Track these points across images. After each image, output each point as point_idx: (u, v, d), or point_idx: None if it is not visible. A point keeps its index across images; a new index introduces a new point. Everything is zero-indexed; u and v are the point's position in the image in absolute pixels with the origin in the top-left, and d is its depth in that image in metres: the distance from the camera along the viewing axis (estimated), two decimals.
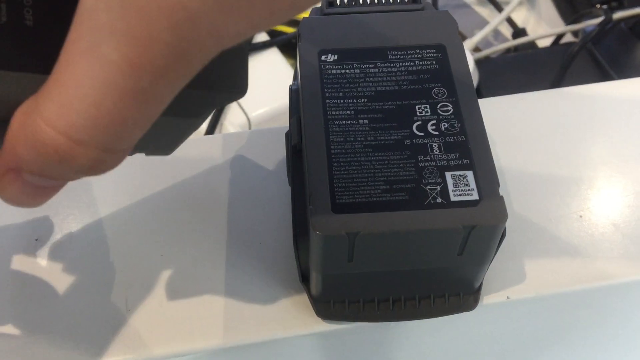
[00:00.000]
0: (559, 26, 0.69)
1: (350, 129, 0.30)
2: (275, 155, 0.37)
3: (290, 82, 0.60)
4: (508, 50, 0.67)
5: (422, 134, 0.29)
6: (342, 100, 0.31)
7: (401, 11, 0.34)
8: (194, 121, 0.26)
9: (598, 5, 0.66)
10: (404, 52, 0.32)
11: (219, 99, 0.25)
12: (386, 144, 0.29)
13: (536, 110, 0.40)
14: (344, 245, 0.27)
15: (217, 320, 0.32)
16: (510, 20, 0.68)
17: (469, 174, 0.28)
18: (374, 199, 0.28)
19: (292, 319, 0.32)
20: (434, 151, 0.29)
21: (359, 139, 0.29)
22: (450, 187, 0.28)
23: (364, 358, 0.35)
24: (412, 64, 0.32)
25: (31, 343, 0.31)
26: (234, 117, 0.60)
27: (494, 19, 0.67)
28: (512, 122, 0.39)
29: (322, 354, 0.34)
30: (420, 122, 0.30)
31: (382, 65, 0.32)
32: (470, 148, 0.29)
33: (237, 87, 0.25)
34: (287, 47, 0.65)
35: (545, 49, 0.65)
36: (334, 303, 0.32)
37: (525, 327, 0.35)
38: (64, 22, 0.20)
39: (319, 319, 0.32)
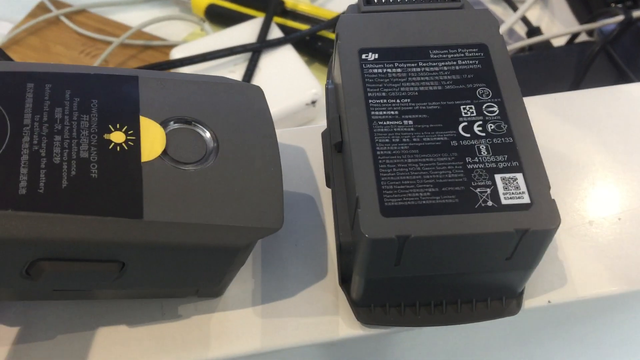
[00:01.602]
0: (572, 25, 0.69)
1: (395, 129, 0.29)
2: (306, 155, 0.37)
3: (305, 80, 0.60)
4: (522, 49, 0.66)
5: (468, 135, 0.29)
6: (385, 100, 0.30)
7: (440, 9, 0.33)
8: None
9: (613, 5, 0.65)
10: (445, 51, 0.32)
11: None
12: (432, 145, 0.29)
13: (565, 111, 0.39)
14: (393, 249, 0.27)
15: (254, 324, 0.31)
16: (524, 19, 0.68)
17: (519, 176, 0.28)
18: (423, 201, 0.27)
19: (330, 323, 0.31)
20: (482, 153, 0.28)
21: (404, 140, 0.29)
22: (501, 190, 0.27)
23: None
24: (454, 63, 0.31)
25: (71, 346, 0.30)
26: None
27: (509, 18, 0.66)
28: (540, 124, 0.39)
29: (360, 358, 0.33)
30: (466, 123, 0.29)
31: (424, 64, 0.31)
32: (518, 150, 0.28)
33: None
34: (301, 44, 0.64)
35: (561, 48, 0.65)
36: (374, 307, 0.31)
37: (565, 331, 0.35)
38: (122, 175, 0.26)
39: (358, 323, 0.31)
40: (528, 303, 0.32)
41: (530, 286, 0.32)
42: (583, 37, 0.67)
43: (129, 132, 0.27)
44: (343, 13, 0.33)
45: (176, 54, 0.61)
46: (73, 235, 0.25)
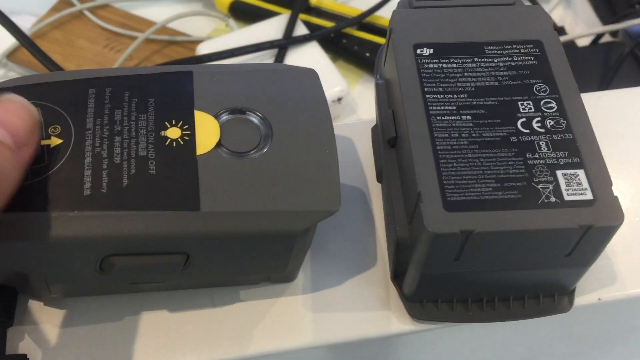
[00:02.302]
0: (595, 25, 0.69)
1: (453, 124, 0.29)
2: (355, 149, 0.37)
3: (330, 77, 0.60)
4: None
5: (527, 131, 0.29)
6: (442, 96, 0.30)
7: (492, 5, 0.33)
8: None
9: (638, 5, 0.65)
10: (500, 47, 0.32)
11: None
12: (492, 140, 0.28)
13: (597, 110, 0.39)
14: (455, 244, 0.27)
15: (304, 317, 0.31)
16: None
17: (581, 172, 0.28)
18: (486, 197, 0.27)
19: (382, 317, 0.31)
20: (542, 149, 0.28)
21: (463, 135, 0.29)
22: (563, 186, 0.27)
23: (451, 357, 0.35)
24: (510, 59, 0.31)
25: (121, 338, 0.30)
26: None
27: None
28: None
29: (412, 353, 0.33)
30: (524, 119, 0.29)
31: (480, 60, 0.31)
32: (578, 146, 0.28)
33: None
34: (326, 41, 0.64)
35: (586, 49, 0.65)
36: (426, 302, 0.31)
37: (614, 328, 0.35)
38: (179, 169, 0.27)
39: (409, 318, 0.31)
40: (578, 300, 0.32)
41: (580, 283, 0.32)
42: (606, 38, 0.67)
43: (184, 127, 0.27)
44: (395, 9, 0.33)
45: (203, 49, 0.61)
46: (135, 231, 0.25)
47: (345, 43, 0.64)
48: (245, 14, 0.67)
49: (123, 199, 0.26)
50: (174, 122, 0.28)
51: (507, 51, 0.31)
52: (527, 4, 0.71)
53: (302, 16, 0.65)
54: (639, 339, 0.36)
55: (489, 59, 0.31)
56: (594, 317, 0.34)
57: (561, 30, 0.67)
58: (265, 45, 0.60)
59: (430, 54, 0.31)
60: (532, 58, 0.31)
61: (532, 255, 0.28)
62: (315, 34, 0.63)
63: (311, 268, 0.32)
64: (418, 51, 0.31)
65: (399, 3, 0.34)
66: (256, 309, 0.31)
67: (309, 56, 0.62)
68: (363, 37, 0.64)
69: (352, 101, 0.62)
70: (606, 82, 0.59)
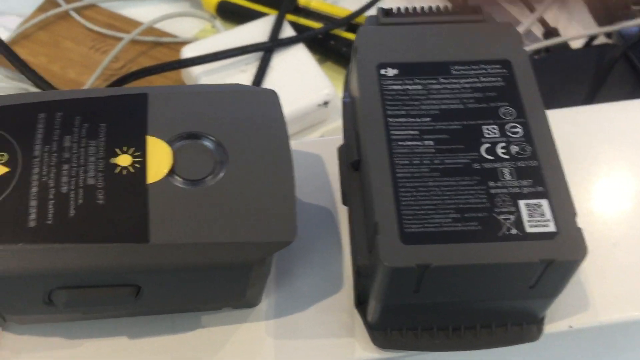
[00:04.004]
0: (591, 26, 0.67)
1: (415, 150, 0.28)
2: (324, 167, 0.36)
3: (317, 80, 0.59)
4: (539, 50, 0.65)
5: (491, 157, 0.28)
6: (405, 119, 0.29)
7: (461, 22, 0.32)
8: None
9: (634, 7, 0.64)
10: (467, 67, 0.31)
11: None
12: (454, 167, 0.28)
13: (586, 125, 0.38)
14: (412, 277, 0.26)
15: (266, 343, 0.30)
16: (541, 20, 0.67)
17: (544, 202, 0.27)
18: (445, 228, 0.26)
19: (345, 345, 0.31)
20: (506, 177, 0.27)
21: (425, 161, 0.28)
22: (525, 217, 0.26)
23: None
24: (476, 80, 0.30)
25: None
26: None
27: (527, 19, 0.65)
28: (561, 139, 0.37)
29: None
30: (489, 145, 0.28)
31: (445, 81, 0.30)
32: (543, 174, 0.27)
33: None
34: (314, 42, 0.63)
35: (579, 51, 0.63)
36: (390, 330, 0.30)
37: (587, 356, 0.34)
38: (128, 199, 0.26)
39: (374, 346, 0.30)
40: (548, 328, 0.31)
41: (551, 310, 0.31)
42: (601, 39, 0.66)
43: (136, 154, 0.27)
44: (362, 25, 0.32)
45: (187, 52, 0.60)
46: (81, 264, 0.25)
47: (334, 44, 0.63)
48: (232, 15, 0.66)
49: (69, 231, 0.25)
50: (124, 149, 0.27)
51: (473, 71, 0.30)
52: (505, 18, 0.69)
53: (289, 17, 0.64)
54: None
55: (455, 80, 0.30)
56: (565, 344, 0.33)
57: (554, 32, 0.66)
58: (250, 48, 0.59)
59: (394, 75, 0.30)
60: (500, 79, 0.30)
61: (494, 287, 0.27)
62: (302, 36, 0.61)
63: (275, 293, 0.32)
64: (382, 71, 0.30)
65: (366, 19, 0.33)
66: (218, 335, 0.31)
67: (296, 58, 0.61)
68: (352, 39, 0.63)
69: (340, 104, 0.61)
70: (598, 84, 0.57)
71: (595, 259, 0.33)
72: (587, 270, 0.32)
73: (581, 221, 0.32)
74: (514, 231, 0.26)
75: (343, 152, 0.32)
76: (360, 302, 0.31)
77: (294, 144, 0.37)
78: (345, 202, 0.32)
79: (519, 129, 0.29)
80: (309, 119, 0.59)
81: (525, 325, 0.30)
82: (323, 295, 0.32)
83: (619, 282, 0.32)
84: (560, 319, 0.31)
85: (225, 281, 0.27)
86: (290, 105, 0.57)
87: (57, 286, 0.25)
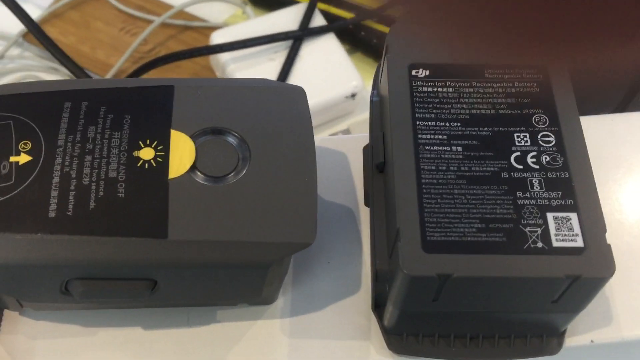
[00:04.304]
0: None
1: (442, 156, 0.27)
2: (349, 165, 0.35)
3: (346, 71, 0.58)
4: None
5: (521, 167, 0.27)
6: (433, 123, 0.28)
7: None
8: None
9: None
10: (502, 71, 0.30)
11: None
12: (482, 175, 0.27)
13: (621, 133, 0.37)
14: (432, 287, 0.25)
15: (280, 342, 0.30)
16: None
17: (573, 216, 0.26)
18: (469, 238, 0.25)
19: (360, 348, 0.30)
20: (535, 188, 0.27)
21: (452, 168, 0.27)
22: (552, 230, 0.26)
23: None
24: (510, 85, 0.29)
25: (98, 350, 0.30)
26: None
27: None
28: (594, 149, 0.36)
29: None
30: (519, 153, 0.27)
31: (478, 85, 0.29)
32: (574, 187, 0.27)
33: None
34: (344, 32, 0.62)
35: None
36: (406, 336, 0.30)
37: None
38: (148, 194, 0.25)
39: (389, 352, 0.30)
40: (569, 341, 0.30)
41: (573, 323, 0.30)
42: None
43: (159, 148, 0.26)
44: (394, 23, 0.31)
45: (216, 38, 0.60)
46: (98, 257, 0.24)
47: (364, 36, 0.62)
48: (263, 1, 0.66)
49: (88, 223, 0.25)
50: (148, 142, 0.27)
51: (508, 76, 0.29)
52: None
53: (320, 5, 0.63)
54: None
55: (488, 84, 0.29)
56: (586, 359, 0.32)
57: None
58: (279, 36, 0.59)
59: (425, 76, 0.29)
60: (535, 85, 0.29)
61: (516, 300, 0.26)
62: (333, 25, 0.61)
63: (292, 291, 0.31)
64: (413, 72, 0.30)
65: (400, 15, 0.32)
66: (232, 331, 0.30)
67: (325, 48, 0.60)
68: (383, 30, 0.62)
69: (367, 97, 0.60)
70: (633, 90, 0.56)
71: (622, 273, 0.32)
72: (613, 284, 0.32)
73: (610, 234, 0.31)
74: (540, 245, 0.25)
75: (368, 152, 0.32)
76: (377, 306, 0.30)
77: (319, 140, 0.37)
78: (367, 203, 0.32)
79: (552, 138, 0.28)
80: (336, 110, 0.58)
81: (546, 338, 0.30)
82: (340, 296, 0.31)
83: None
84: (582, 333, 0.30)
85: (242, 279, 0.27)
86: (317, 96, 0.56)
87: (74, 277, 0.25)
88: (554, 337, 0.30)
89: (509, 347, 0.30)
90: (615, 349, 0.31)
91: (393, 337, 0.30)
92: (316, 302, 0.31)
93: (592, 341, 0.30)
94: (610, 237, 0.25)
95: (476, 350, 0.30)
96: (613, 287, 0.32)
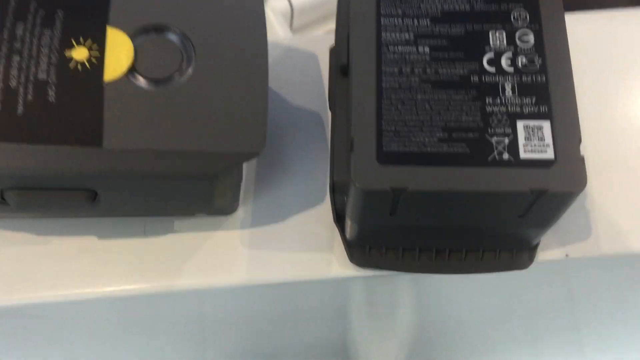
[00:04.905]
0: None
1: (407, 57, 0.25)
2: (320, 66, 0.33)
3: None
4: None
5: (493, 69, 0.24)
6: (400, 20, 0.25)
7: None
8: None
9: None
10: None
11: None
12: (449, 80, 0.24)
13: (618, 32, 0.34)
14: (387, 201, 0.24)
15: (240, 254, 0.29)
16: None
17: (546, 124, 0.24)
18: (428, 149, 0.23)
19: (322, 260, 0.29)
20: (506, 93, 0.24)
21: (416, 71, 0.25)
22: (521, 140, 0.23)
23: (394, 308, 0.33)
24: None
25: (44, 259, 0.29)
26: (276, 2, 0.54)
27: None
28: (584, 47, 0.33)
29: (350, 300, 0.31)
30: (492, 55, 0.25)
31: None
32: (550, 92, 0.24)
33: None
34: None
35: None
36: (370, 249, 0.28)
37: (580, 290, 0.32)
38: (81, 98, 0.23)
39: (352, 264, 0.29)
40: (542, 255, 0.29)
41: (547, 237, 0.29)
42: None
43: (93, 47, 0.24)
44: None
45: None
46: (28, 165, 0.23)
47: None
48: None
49: (16, 129, 0.23)
50: (81, 40, 0.24)
51: None
52: None
53: None
54: (614, 302, 0.33)
55: None
56: (561, 276, 0.31)
57: None
58: None
59: None
60: None
61: (479, 215, 0.25)
62: None
63: (253, 201, 0.30)
64: None
65: None
66: (189, 241, 0.29)
67: None
68: None
69: None
70: None
71: (605, 181, 0.30)
72: (593, 196, 0.30)
73: (596, 142, 0.29)
74: (506, 156, 0.23)
75: (333, 54, 0.29)
76: (339, 217, 0.29)
77: (290, 39, 0.34)
78: (331, 107, 0.29)
79: (530, 37, 0.25)
80: (328, 7, 0.55)
81: (516, 252, 0.28)
82: (304, 207, 0.30)
83: (630, 213, 0.29)
84: (556, 247, 0.29)
85: (188, 190, 0.25)
86: None
87: (8, 186, 0.24)
88: (524, 251, 0.28)
89: (477, 261, 0.28)
90: (591, 264, 0.30)
91: (355, 250, 0.28)
92: (278, 212, 0.30)
93: (567, 255, 0.29)
94: (594, 146, 0.23)
95: (443, 263, 0.28)
96: (594, 199, 0.30)
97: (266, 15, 0.55)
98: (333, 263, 0.29)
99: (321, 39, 0.34)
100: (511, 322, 0.37)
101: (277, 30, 0.53)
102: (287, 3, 0.54)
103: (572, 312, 0.36)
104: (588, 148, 0.30)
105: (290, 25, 0.55)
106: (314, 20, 0.55)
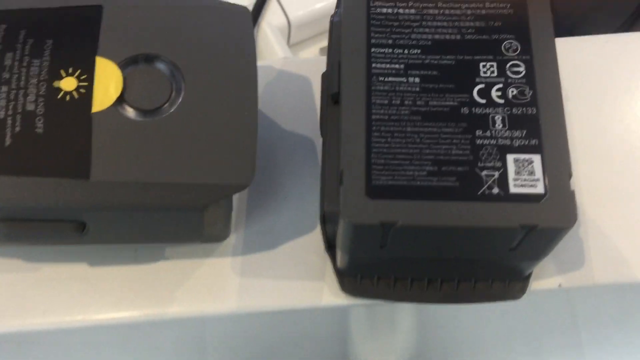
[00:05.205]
0: None
1: (397, 88, 0.25)
2: (313, 91, 0.32)
3: None
4: None
5: (483, 101, 0.24)
6: (390, 50, 0.25)
7: None
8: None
9: None
10: None
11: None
12: (439, 111, 0.24)
13: (608, 57, 0.33)
14: (377, 234, 0.23)
15: (231, 282, 0.29)
16: None
17: (536, 158, 0.23)
18: (418, 182, 0.23)
19: (313, 289, 0.29)
20: (496, 125, 0.24)
21: (406, 102, 0.24)
22: (511, 174, 0.23)
23: (388, 332, 0.32)
24: (481, 6, 0.26)
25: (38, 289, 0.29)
26: (273, 17, 0.54)
27: None
28: (574, 72, 0.33)
29: (343, 325, 0.31)
30: (483, 86, 0.25)
31: (444, 5, 0.26)
32: (541, 125, 0.24)
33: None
34: None
35: None
36: (361, 278, 0.28)
37: (573, 319, 0.32)
38: (69, 129, 0.23)
39: (344, 293, 0.28)
40: (536, 284, 0.28)
41: (540, 266, 0.28)
42: None
43: (82, 77, 0.24)
44: None
45: None
46: (16, 197, 0.23)
47: None
48: None
49: (3, 161, 0.23)
50: (70, 71, 0.24)
51: None
52: None
53: None
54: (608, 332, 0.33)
55: (455, 5, 0.26)
56: (553, 306, 0.30)
57: None
58: None
59: None
60: (509, 5, 0.26)
61: (470, 248, 0.24)
62: None
63: (245, 228, 0.30)
64: None
65: None
66: (181, 268, 0.29)
67: None
68: None
69: None
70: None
71: (600, 212, 0.29)
72: (588, 223, 0.29)
73: (590, 171, 0.28)
74: (495, 190, 0.23)
75: (325, 79, 0.29)
76: (330, 246, 0.29)
77: (283, 62, 0.34)
78: (322, 134, 0.29)
79: (522, 68, 0.25)
80: (326, 24, 0.55)
81: (509, 283, 0.28)
82: (296, 234, 0.30)
83: (623, 243, 0.29)
84: (550, 276, 0.29)
85: (178, 220, 0.25)
86: (306, 7, 0.53)
87: None
88: (517, 281, 0.28)
89: (470, 291, 0.28)
90: (585, 294, 0.29)
91: (347, 279, 0.28)
92: (270, 240, 0.30)
93: (560, 285, 0.29)
94: (587, 174, 0.23)
95: (435, 293, 0.28)
96: (587, 230, 0.29)
97: (263, 30, 0.55)
98: (324, 291, 0.29)
99: (314, 61, 0.34)
100: (509, 342, 0.37)
101: (274, 45, 0.53)
102: (284, 18, 0.54)
103: (574, 334, 0.35)
104: (581, 175, 0.30)
105: (288, 40, 0.55)
106: (312, 36, 0.55)
